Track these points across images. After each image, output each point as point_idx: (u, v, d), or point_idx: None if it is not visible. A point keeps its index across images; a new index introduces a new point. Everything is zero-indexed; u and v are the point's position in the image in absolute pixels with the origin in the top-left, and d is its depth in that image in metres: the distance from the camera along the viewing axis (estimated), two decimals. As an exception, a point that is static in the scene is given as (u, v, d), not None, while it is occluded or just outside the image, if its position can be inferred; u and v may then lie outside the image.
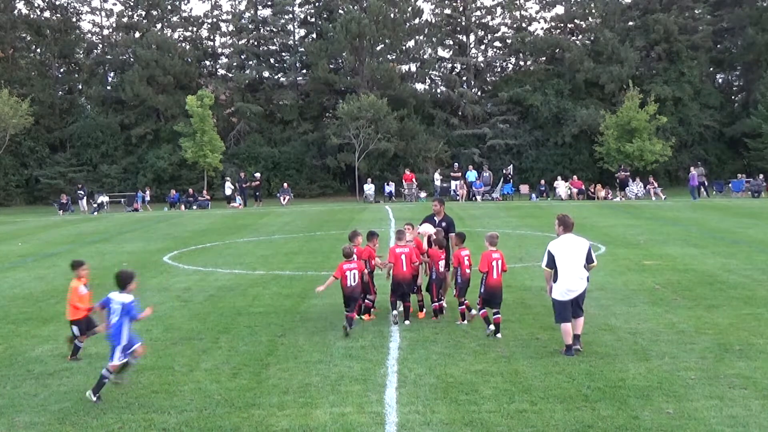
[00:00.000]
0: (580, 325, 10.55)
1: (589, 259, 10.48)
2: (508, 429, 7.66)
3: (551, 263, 10.47)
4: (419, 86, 63.79)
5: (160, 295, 15.37)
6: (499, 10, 62.51)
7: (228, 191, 47.73)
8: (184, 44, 62.29)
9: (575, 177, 48.35)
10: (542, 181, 48.18)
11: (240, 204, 45.48)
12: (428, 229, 13.34)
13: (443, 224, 13.49)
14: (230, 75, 62.22)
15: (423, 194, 47.37)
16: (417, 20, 60.57)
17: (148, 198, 47.10)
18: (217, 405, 8.54)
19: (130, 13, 61.97)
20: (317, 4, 62.25)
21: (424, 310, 12.92)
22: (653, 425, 7.67)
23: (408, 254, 12.44)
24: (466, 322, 12.17)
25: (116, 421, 8.14)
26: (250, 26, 62.25)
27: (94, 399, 8.70)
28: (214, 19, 64.01)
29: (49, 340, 11.79)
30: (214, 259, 20.82)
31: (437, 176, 49.40)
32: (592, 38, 61.90)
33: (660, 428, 7.60)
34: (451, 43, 63.88)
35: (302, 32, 63.92)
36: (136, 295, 9.26)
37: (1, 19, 57.32)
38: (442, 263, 12.65)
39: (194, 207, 45.43)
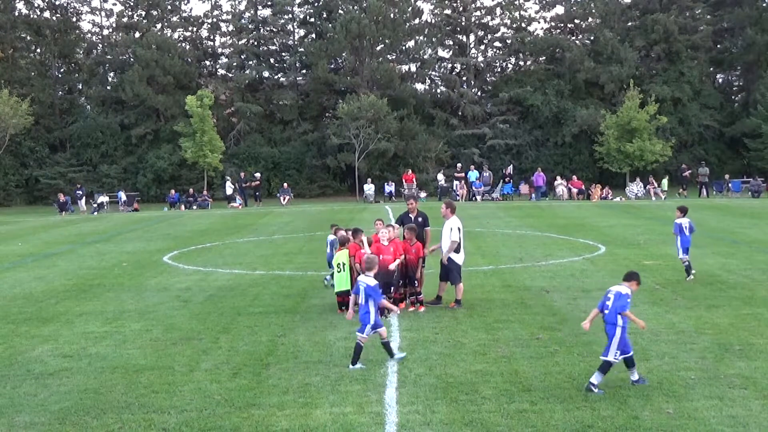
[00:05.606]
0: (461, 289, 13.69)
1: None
2: (508, 429, 7.66)
3: (458, 236, 13.41)
4: (419, 86, 63.82)
5: (160, 295, 15.37)
6: (498, 10, 62.46)
7: (229, 191, 47.71)
8: (184, 44, 62.26)
9: (575, 177, 48.31)
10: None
11: (240, 204, 45.48)
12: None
13: (419, 220, 14.17)
14: (230, 75, 62.20)
15: (423, 194, 47.31)
16: (417, 20, 60.56)
17: (124, 199, 47.04)
18: (217, 405, 8.54)
19: (130, 13, 61.91)
20: (317, 4, 62.18)
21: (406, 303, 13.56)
22: (653, 425, 7.67)
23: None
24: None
25: (116, 421, 8.14)
26: (250, 26, 62.20)
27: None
28: (214, 19, 64.00)
29: (49, 340, 11.78)
30: (214, 259, 20.81)
31: (441, 176, 49.35)
32: (592, 38, 61.88)
33: (660, 428, 7.60)
34: (451, 43, 63.84)
35: (302, 32, 63.89)
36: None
37: (1, 19, 57.28)
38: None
39: (194, 207, 45.43)
